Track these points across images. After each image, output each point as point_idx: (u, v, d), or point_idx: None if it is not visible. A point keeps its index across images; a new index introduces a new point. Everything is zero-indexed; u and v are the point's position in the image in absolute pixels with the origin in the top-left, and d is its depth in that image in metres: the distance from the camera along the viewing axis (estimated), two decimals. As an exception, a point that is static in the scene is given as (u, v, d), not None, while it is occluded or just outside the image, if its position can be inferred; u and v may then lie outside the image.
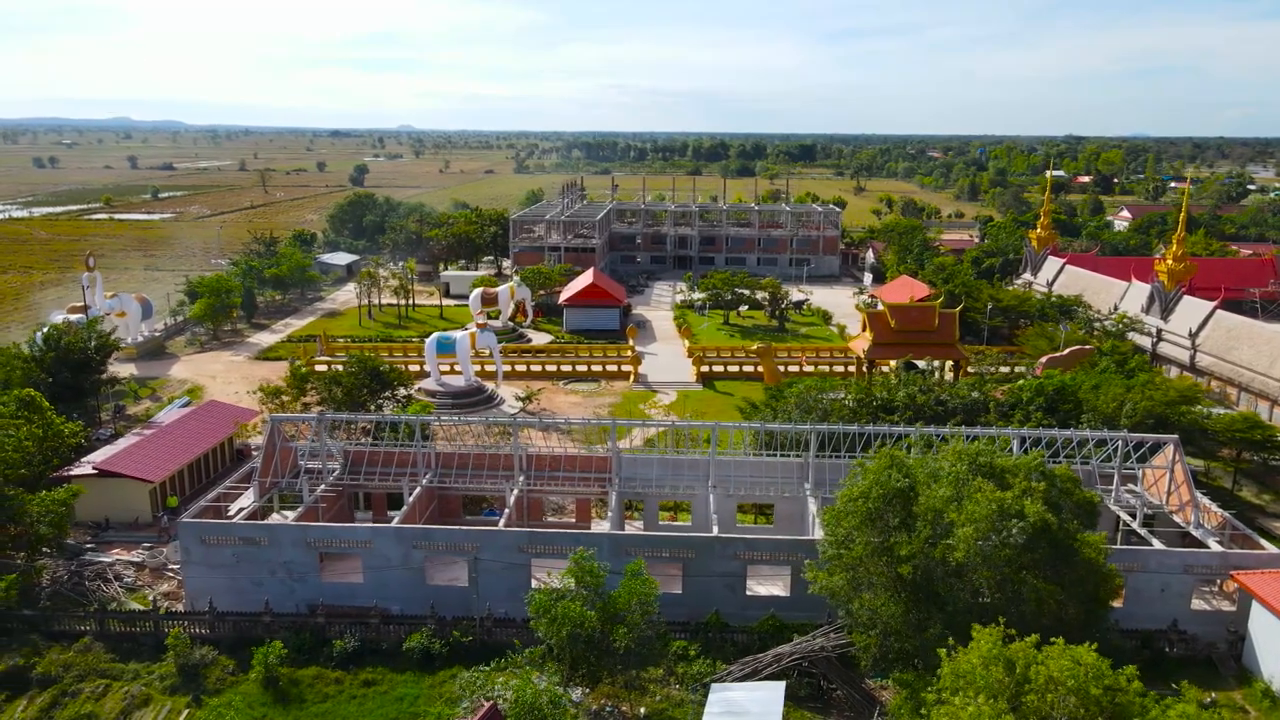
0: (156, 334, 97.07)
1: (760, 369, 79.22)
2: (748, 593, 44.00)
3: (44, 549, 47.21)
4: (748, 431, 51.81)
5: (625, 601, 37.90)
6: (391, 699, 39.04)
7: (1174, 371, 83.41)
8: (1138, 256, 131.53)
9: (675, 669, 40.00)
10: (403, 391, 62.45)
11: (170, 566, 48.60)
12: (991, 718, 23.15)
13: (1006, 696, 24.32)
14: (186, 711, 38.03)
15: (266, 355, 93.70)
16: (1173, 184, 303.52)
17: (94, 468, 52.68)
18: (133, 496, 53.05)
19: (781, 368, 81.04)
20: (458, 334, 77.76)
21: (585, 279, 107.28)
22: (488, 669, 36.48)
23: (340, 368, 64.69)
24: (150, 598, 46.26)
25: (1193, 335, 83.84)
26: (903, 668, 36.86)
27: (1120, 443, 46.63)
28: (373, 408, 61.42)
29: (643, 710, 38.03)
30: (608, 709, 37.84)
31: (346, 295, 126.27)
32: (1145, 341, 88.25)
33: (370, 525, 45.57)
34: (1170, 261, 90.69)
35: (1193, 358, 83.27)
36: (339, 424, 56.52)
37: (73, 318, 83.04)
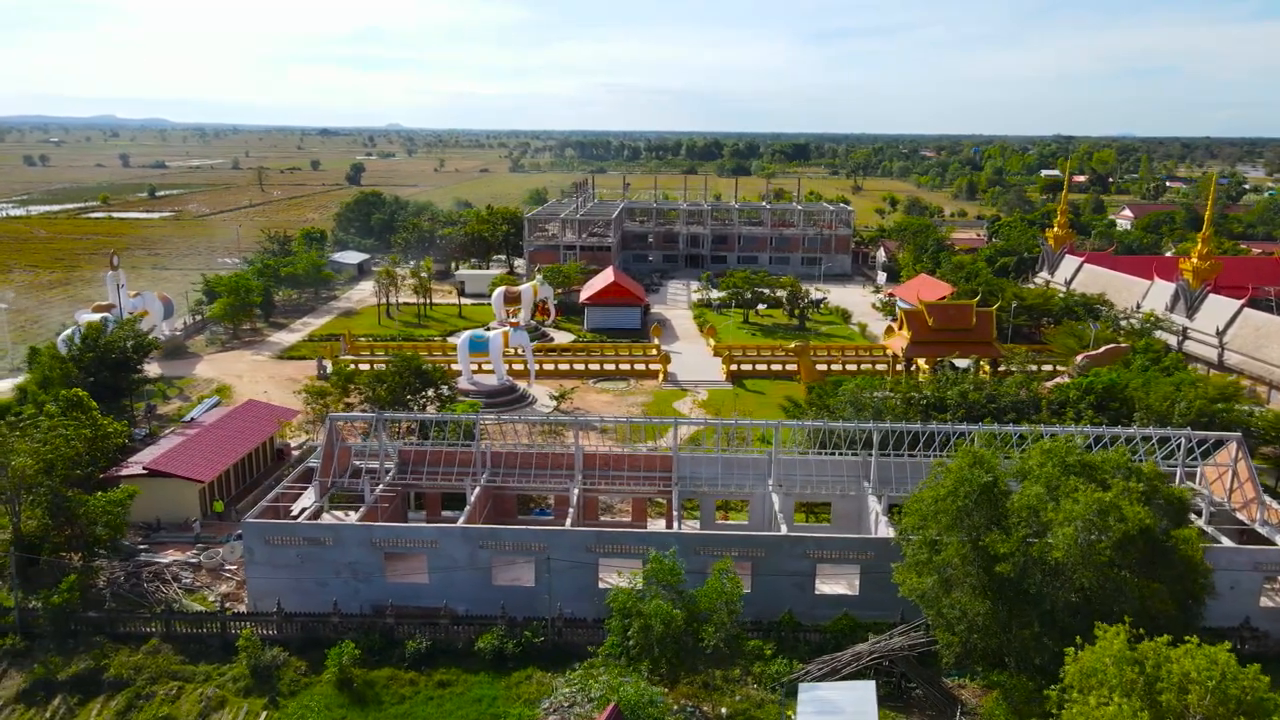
0: (177, 333, 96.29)
1: (796, 367, 79.14)
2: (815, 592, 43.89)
3: (99, 550, 46.66)
4: (801, 430, 51.68)
5: (710, 601, 37.78)
6: (469, 700, 38.76)
7: (1199, 369, 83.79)
8: (1150, 255, 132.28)
9: (751, 669, 39.92)
10: (445, 390, 61.99)
11: (228, 567, 48.14)
12: (1129, 717, 23.08)
13: (1138, 695, 24.27)
14: (264, 714, 37.67)
15: (289, 354, 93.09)
16: (1168, 183, 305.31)
17: (144, 468, 52.14)
18: (183, 497, 52.55)
19: (819, 367, 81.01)
20: (491, 333, 77.41)
21: (606, 278, 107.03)
22: (581, 668, 36.25)
23: (383, 366, 64.24)
24: (210, 598, 45.84)
25: (1220, 333, 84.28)
26: (986, 666, 36.91)
27: (1183, 440, 46.75)
28: (415, 407, 61.02)
29: (724, 710, 37.88)
30: (689, 709, 37.66)
31: (361, 294, 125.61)
32: (1170, 340, 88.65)
33: (436, 525, 45.24)
34: (1195, 260, 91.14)
35: (1220, 356, 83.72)
36: (396, 423, 56.13)
37: (97, 317, 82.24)
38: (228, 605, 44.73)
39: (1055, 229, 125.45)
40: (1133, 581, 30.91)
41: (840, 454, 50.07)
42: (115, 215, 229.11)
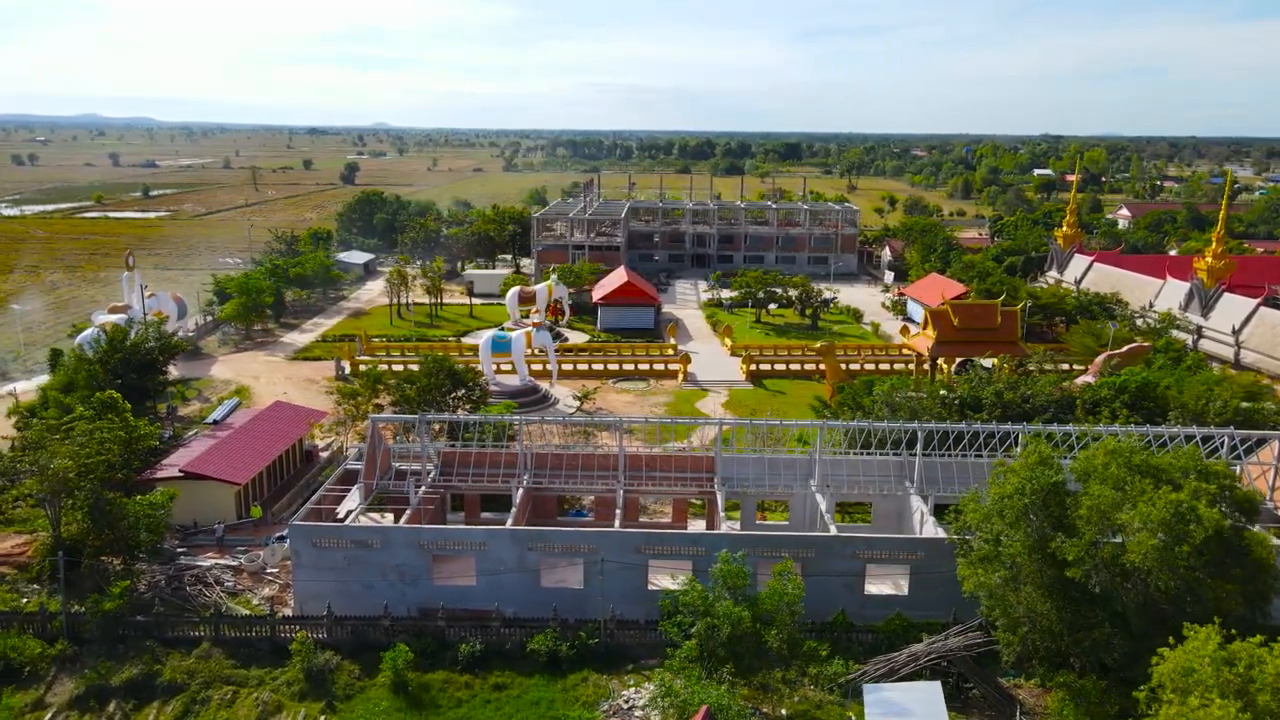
0: (190, 334, 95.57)
1: (815, 367, 79.22)
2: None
3: (139, 554, 46.22)
4: (840, 430, 51.65)
5: (772, 602, 37.74)
6: (526, 703, 38.57)
7: (1215, 368, 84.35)
8: (1154, 254, 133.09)
9: (807, 670, 39.86)
10: (477, 391, 61.71)
11: (270, 569, 47.77)
12: (1233, 718, 23.13)
13: (1233, 694, 24.34)
14: (322, 718, 37.39)
15: (304, 355, 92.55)
16: (1159, 182, 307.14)
17: (180, 470, 51.68)
18: (219, 499, 52.13)
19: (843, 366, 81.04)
20: (513, 333, 77.04)
21: (619, 277, 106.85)
22: (657, 672, 36.20)
23: (400, 367, 63.90)
24: (255, 601, 45.52)
25: (1236, 332, 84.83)
26: (1046, 667, 36.95)
27: (1225, 439, 46.99)
28: (446, 408, 60.71)
29: (784, 712, 37.80)
30: (749, 710, 37.56)
31: (369, 294, 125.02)
32: (1185, 339, 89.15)
33: (485, 527, 45.02)
34: (1210, 259, 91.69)
35: (1237, 354, 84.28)
36: (433, 425, 55.85)
37: (114, 318, 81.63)
38: (275, 609, 44.52)
39: (1064, 228, 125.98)
40: (1208, 583, 31.01)
41: (882, 454, 50.08)
42: (111, 215, 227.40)
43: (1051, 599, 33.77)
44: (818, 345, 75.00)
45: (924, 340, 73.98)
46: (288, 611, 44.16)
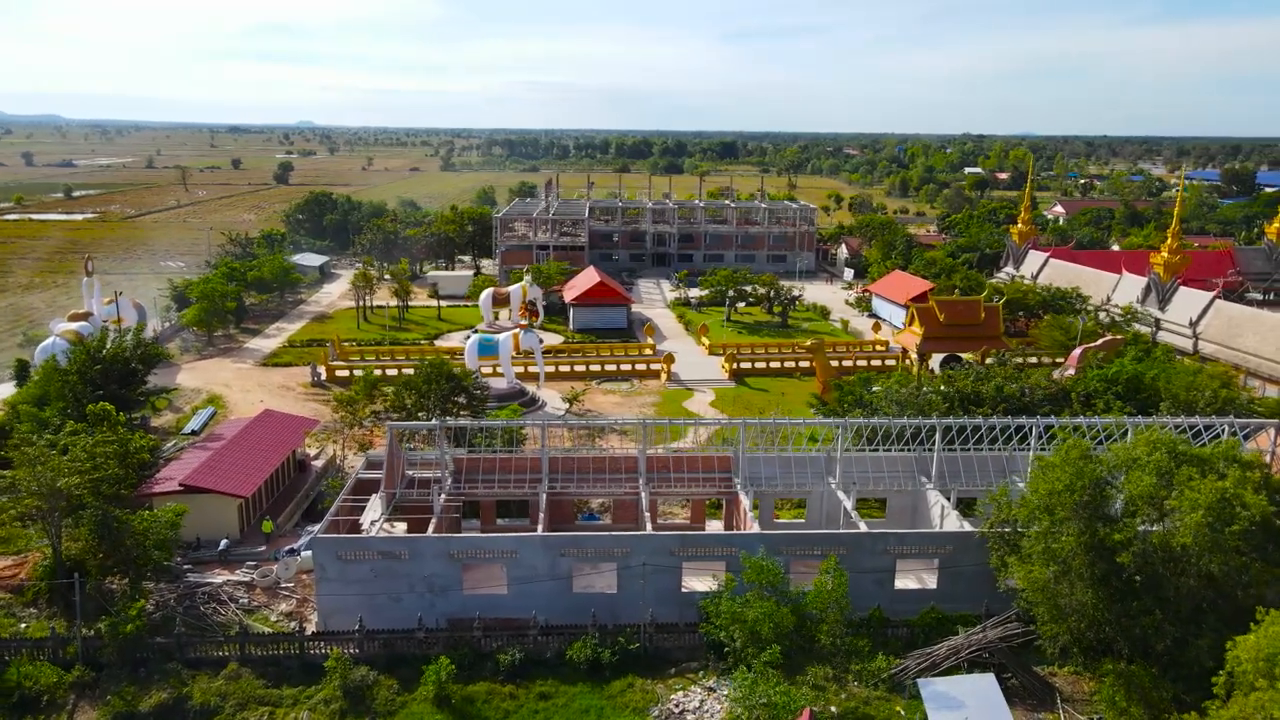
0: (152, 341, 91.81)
1: (796, 364, 79.96)
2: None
3: (146, 573, 44.22)
4: (850, 427, 52.00)
5: (820, 601, 37.87)
6: (574, 712, 38.00)
7: (1179, 359, 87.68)
8: (1100, 250, 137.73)
9: (850, 666, 40.11)
10: (477, 395, 60.58)
11: (284, 584, 46.18)
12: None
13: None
14: (367, 736, 36.28)
15: (274, 361, 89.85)
16: (1090, 180, 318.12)
17: (180, 484, 49.58)
18: (221, 513, 50.18)
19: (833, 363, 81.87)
20: (500, 336, 75.96)
21: (590, 277, 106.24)
22: (736, 675, 36.05)
23: (393, 372, 62.46)
24: (272, 618, 43.99)
25: (1194, 324, 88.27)
26: (1087, 656, 37.81)
27: (1225, 427, 48.76)
28: (445, 413, 59.48)
29: (834, 709, 37.96)
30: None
31: (329, 298, 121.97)
32: (1146, 331, 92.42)
33: (516, 535, 44.21)
34: (1166, 254, 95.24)
35: (1195, 345, 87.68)
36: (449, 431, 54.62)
37: (75, 326, 78.11)
38: (295, 624, 43.09)
39: (1019, 224, 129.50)
40: (1255, 567, 32.13)
41: (898, 450, 50.70)
42: (34, 217, 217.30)
43: (1099, 589, 34.58)
44: (808, 343, 75.66)
45: (911, 336, 75.28)
46: (309, 627, 42.79)
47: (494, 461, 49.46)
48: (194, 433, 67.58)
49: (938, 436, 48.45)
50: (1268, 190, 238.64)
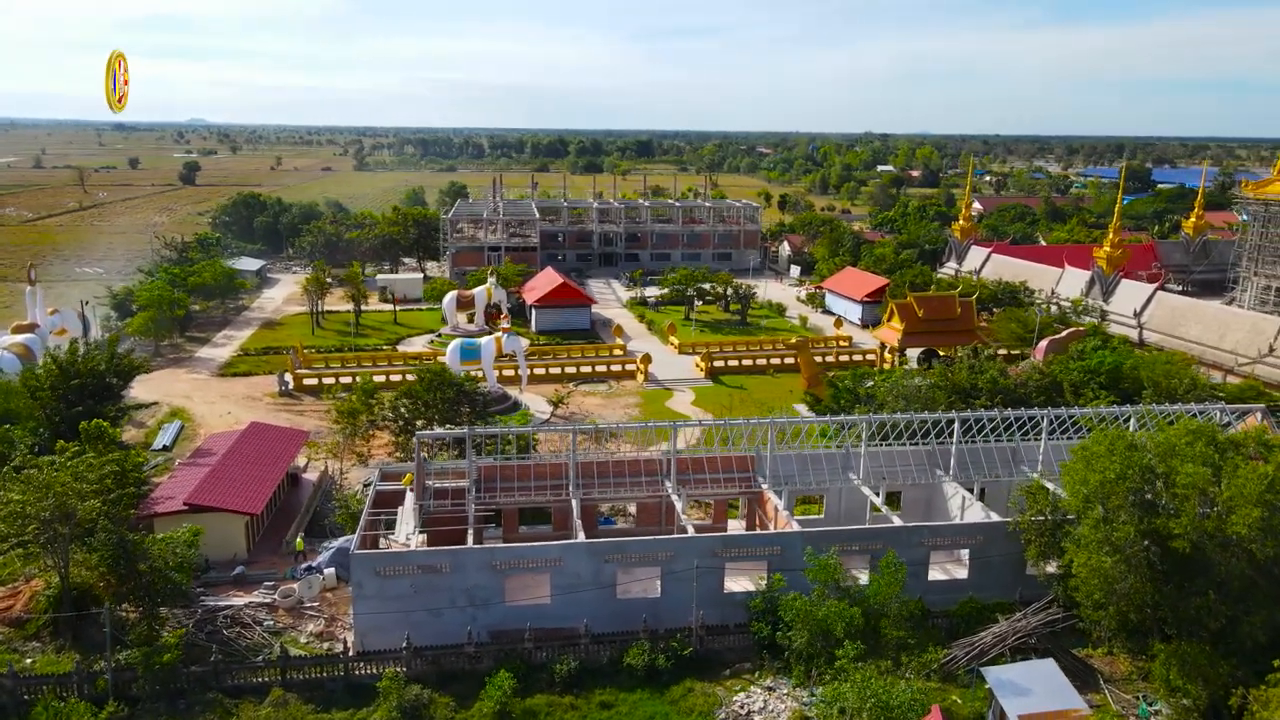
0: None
1: (782, 361, 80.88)
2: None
3: (159, 599, 41.80)
4: (873, 424, 52.80)
5: (882, 595, 38.33)
6: (639, 719, 37.60)
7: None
8: (1030, 245, 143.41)
9: (900, 658, 40.70)
10: (480, 401, 59.29)
11: (308, 604, 44.31)
12: None
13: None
14: (435, 757, 35.11)
15: (231, 371, 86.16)
16: (1004, 177, 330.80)
17: (185, 503, 47.05)
18: (228, 532, 47.86)
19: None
20: (483, 339, 74.57)
21: (551, 279, 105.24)
22: (827, 676, 36.10)
23: (413, 377, 60.69)
24: (301, 639, 42.16)
25: (1138, 314, 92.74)
26: (1134, 638, 39.29)
27: (1216, 412, 51.36)
28: (451, 421, 58.06)
29: (891, 701, 38.48)
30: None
31: (273, 303, 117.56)
32: (1092, 322, 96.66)
33: (560, 542, 43.36)
34: (1109, 248, 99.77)
35: (1140, 335, 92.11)
36: (440, 440, 53.28)
37: (20, 338, 73.40)
38: (327, 645, 41.40)
39: (961, 221, 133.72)
40: (1304, 549, 33.87)
41: (914, 444, 51.71)
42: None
43: (1150, 573, 35.98)
44: (794, 341, 76.56)
45: (892, 332, 77.00)
46: (337, 647, 41.14)
47: (514, 469, 48.43)
48: (166, 448, 64.29)
49: (956, 429, 49.61)
50: (1163, 186, 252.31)
